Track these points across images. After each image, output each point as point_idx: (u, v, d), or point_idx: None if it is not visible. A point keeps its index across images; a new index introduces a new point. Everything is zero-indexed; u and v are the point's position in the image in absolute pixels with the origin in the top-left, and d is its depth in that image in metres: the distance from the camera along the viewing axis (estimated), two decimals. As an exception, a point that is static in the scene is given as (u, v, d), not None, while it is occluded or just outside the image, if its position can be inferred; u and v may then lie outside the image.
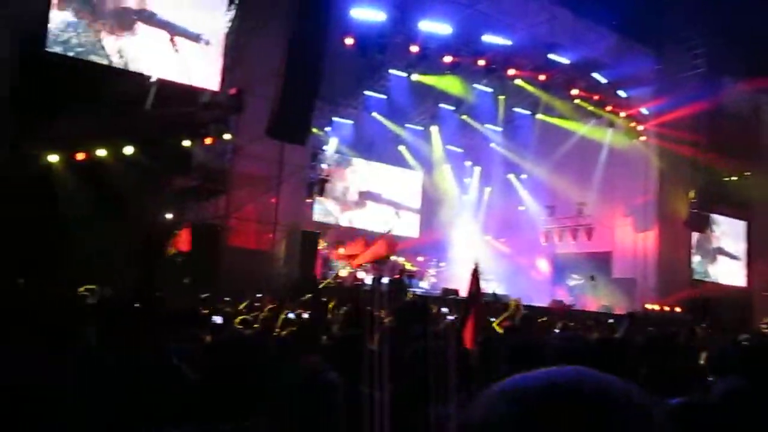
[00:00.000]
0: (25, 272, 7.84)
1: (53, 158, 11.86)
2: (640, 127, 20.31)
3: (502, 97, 20.69)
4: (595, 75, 19.04)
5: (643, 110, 20.18)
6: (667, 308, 18.17)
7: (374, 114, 21.13)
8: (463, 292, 18.20)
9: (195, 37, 13.61)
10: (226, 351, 2.21)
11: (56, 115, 10.95)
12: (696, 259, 21.25)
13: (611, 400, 0.62)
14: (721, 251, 22.17)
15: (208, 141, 14.06)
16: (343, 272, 18.07)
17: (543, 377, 0.65)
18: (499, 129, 22.49)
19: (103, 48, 12.71)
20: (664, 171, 19.88)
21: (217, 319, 5.62)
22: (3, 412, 2.05)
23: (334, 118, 21.19)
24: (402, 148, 22.89)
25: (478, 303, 5.63)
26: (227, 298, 9.50)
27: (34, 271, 8.26)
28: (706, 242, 21.65)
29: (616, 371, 0.68)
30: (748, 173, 20.61)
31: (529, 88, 19.33)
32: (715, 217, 21.35)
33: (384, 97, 20.55)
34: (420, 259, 21.03)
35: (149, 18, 13.20)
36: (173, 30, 13.35)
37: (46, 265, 9.15)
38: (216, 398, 1.99)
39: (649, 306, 18.36)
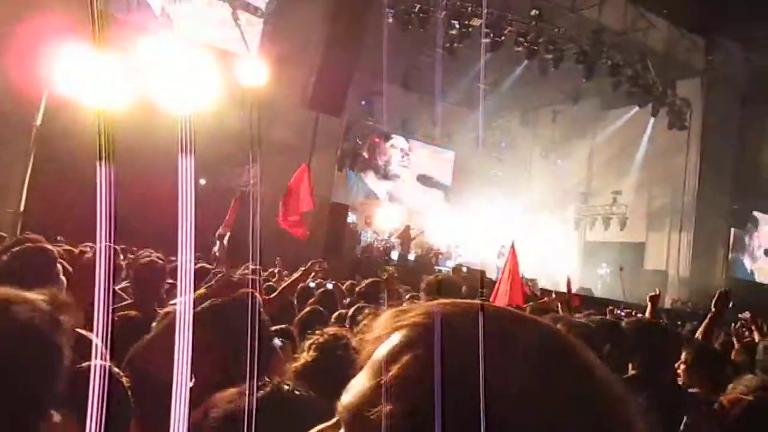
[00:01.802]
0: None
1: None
2: (685, 119, 19.78)
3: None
4: (643, 63, 18.52)
5: (690, 101, 19.62)
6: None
7: (410, 90, 20.91)
8: (491, 273, 18.30)
9: (254, 10, 13.64)
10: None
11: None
12: (736, 256, 20.73)
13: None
14: (766, 251, 21.62)
15: (244, 108, 14.13)
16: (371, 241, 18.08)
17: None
18: (538, 113, 22.13)
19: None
20: (706, 165, 19.37)
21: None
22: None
23: (371, 92, 21.07)
24: (437, 125, 22.68)
25: (516, 270, 6.74)
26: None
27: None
28: (747, 240, 21.12)
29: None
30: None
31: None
32: (759, 215, 20.78)
33: (421, 73, 20.32)
34: (447, 238, 20.95)
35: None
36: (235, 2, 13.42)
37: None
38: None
39: (674, 298, 18.06)
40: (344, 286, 6.81)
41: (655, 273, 19.33)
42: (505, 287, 6.61)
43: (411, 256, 17.34)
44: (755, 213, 20.58)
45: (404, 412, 0.56)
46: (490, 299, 6.54)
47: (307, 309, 4.28)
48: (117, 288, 4.29)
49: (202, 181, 15.50)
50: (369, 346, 0.64)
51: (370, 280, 5.39)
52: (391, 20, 15.46)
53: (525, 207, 23.11)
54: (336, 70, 12.79)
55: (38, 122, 12.30)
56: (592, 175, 21.51)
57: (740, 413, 2.16)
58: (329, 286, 6.47)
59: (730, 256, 20.49)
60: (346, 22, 12.53)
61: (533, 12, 16.52)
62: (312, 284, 6.09)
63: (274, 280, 7.09)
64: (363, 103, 20.84)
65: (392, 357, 0.59)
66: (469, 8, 16.04)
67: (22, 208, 12.20)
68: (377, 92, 21.26)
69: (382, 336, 0.63)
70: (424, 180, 23.33)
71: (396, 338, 0.61)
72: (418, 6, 15.78)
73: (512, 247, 7.06)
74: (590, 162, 21.45)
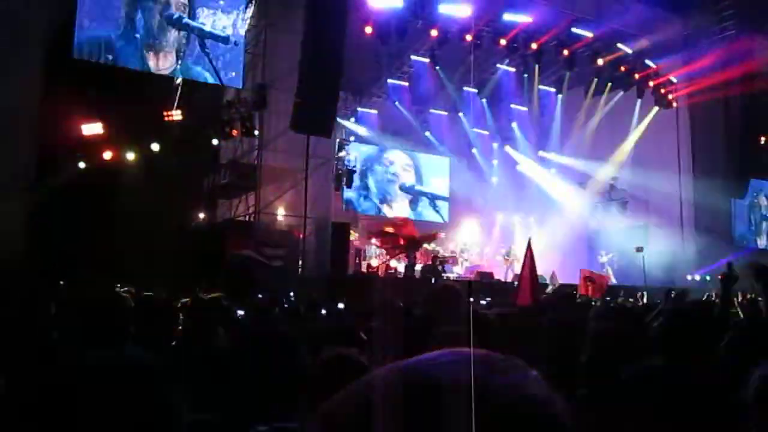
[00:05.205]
0: (64, 274, 8.03)
1: (81, 164, 12.14)
2: (671, 96, 19.88)
3: (525, 76, 20.39)
4: (621, 46, 18.66)
5: (673, 78, 19.72)
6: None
7: (399, 102, 21.03)
8: (498, 275, 18.29)
9: (224, 39, 13.75)
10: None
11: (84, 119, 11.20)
12: (739, 226, 20.74)
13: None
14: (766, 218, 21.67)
15: (234, 135, 14.23)
16: (375, 262, 18.13)
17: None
18: (525, 109, 22.20)
19: (134, 53, 12.93)
20: (698, 139, 19.44)
21: (239, 312, 5.43)
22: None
23: (359, 108, 21.19)
24: (428, 134, 22.76)
25: (533, 268, 6.78)
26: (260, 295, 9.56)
27: (72, 272, 8.43)
28: (749, 209, 21.15)
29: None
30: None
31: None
32: (759, 182, 20.82)
33: (407, 84, 20.45)
34: (452, 245, 20.96)
35: (178, 23, 13.37)
36: (203, 33, 13.51)
37: (84, 268, 9.32)
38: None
39: (689, 277, 18.01)
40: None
41: (663, 253, 19.28)
42: (526, 283, 6.69)
43: (418, 266, 17.34)
44: (753, 180, 20.60)
45: None
46: (518, 300, 6.53)
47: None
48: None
49: (201, 215, 15.57)
50: None
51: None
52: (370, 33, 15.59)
53: (524, 204, 23.14)
54: (319, 89, 12.86)
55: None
56: (587, 162, 21.53)
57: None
58: (340, 306, 6.50)
59: (733, 226, 20.49)
60: (325, 40, 12.62)
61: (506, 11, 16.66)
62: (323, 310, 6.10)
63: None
64: (352, 119, 20.94)
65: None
66: (444, 14, 16.17)
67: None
68: (365, 107, 21.40)
69: None
70: (420, 189, 23.37)
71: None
72: (394, 22, 15.92)
73: (528, 246, 7.08)
74: (583, 150, 21.46)
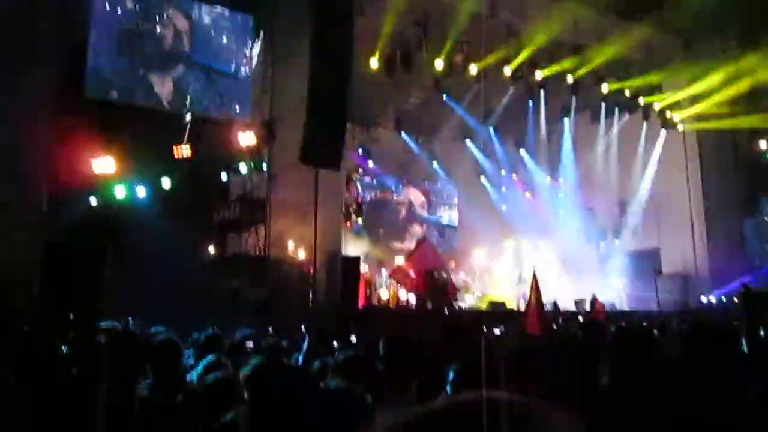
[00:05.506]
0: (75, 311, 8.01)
1: (92, 200, 12.25)
2: (677, 117, 19.89)
3: (531, 103, 20.49)
4: (625, 69, 18.76)
5: (678, 99, 19.76)
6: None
7: (404, 133, 21.19)
8: (510, 305, 18.13)
9: (231, 74, 13.96)
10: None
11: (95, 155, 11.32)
12: (752, 245, 20.53)
13: None
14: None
15: (243, 172, 14.34)
16: (384, 293, 18.02)
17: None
18: (532, 135, 22.26)
19: (143, 89, 13.15)
20: (706, 158, 19.40)
21: (249, 344, 5.37)
22: None
23: (366, 139, 21.33)
24: (435, 164, 22.85)
25: (539, 297, 6.97)
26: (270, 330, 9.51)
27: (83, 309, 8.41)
28: (761, 227, 20.96)
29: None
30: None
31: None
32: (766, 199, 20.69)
33: (413, 114, 20.61)
34: (463, 274, 20.85)
35: (187, 59, 13.61)
36: (211, 68, 13.73)
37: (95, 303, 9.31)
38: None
39: (704, 299, 17.82)
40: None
41: (675, 277, 19.11)
42: (534, 314, 6.80)
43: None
44: (762, 198, 20.46)
45: None
46: (527, 328, 6.60)
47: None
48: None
49: (211, 250, 15.60)
50: None
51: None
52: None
53: (533, 231, 23.06)
54: (326, 122, 12.96)
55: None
56: (596, 187, 21.49)
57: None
58: (353, 338, 6.45)
59: (746, 246, 20.29)
60: (331, 74, 12.76)
61: (511, 39, 16.81)
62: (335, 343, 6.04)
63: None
64: (359, 151, 21.06)
65: None
66: (449, 44, 16.35)
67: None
68: (372, 139, 21.53)
69: None
70: (428, 218, 23.38)
71: None
72: (399, 51, 16.11)
73: (534, 275, 7.25)
74: (592, 175, 21.44)
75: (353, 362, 3.54)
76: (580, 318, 13.15)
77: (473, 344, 3.35)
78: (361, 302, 16.19)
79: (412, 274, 16.78)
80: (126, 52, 13.01)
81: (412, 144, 21.52)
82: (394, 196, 22.82)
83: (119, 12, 13.02)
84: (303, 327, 6.83)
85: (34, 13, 11.54)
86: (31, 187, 11.36)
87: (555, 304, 15.94)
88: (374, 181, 22.15)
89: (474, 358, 2.75)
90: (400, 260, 18.60)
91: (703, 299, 17.88)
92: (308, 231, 15.11)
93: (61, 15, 12.12)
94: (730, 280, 17.58)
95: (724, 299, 17.46)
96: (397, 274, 17.26)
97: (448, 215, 23.80)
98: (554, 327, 7.83)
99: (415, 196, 23.26)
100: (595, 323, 6.32)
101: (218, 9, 14.48)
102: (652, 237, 20.43)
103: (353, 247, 19.23)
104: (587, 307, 16.20)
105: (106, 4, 12.88)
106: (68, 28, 12.36)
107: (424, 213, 23.27)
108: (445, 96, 18.73)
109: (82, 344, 3.66)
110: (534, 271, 7.49)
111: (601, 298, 16.60)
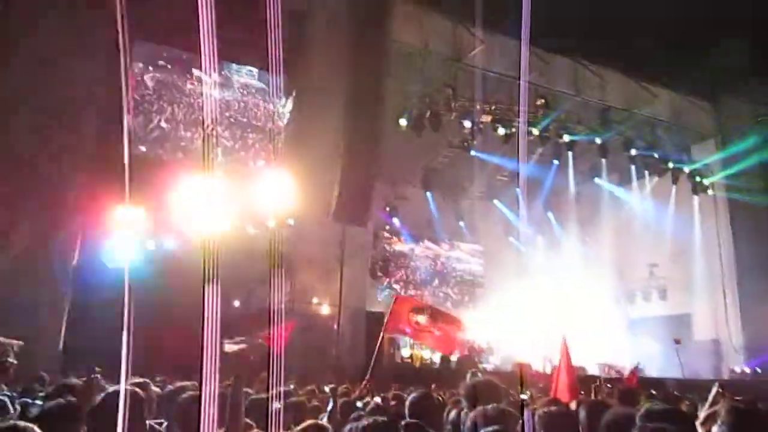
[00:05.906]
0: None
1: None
2: (707, 181, 19.73)
3: (557, 163, 20.52)
4: (654, 132, 18.80)
5: (707, 162, 19.64)
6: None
7: (430, 192, 21.31)
8: (536, 366, 17.72)
9: (265, 131, 14.33)
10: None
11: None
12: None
13: None
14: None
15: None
16: (406, 352, 17.74)
17: None
18: (560, 196, 22.24)
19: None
20: (737, 222, 19.09)
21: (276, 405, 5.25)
22: None
23: (394, 197, 21.49)
24: (461, 223, 22.87)
25: (569, 364, 6.94)
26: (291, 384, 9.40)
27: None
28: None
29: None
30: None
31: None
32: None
33: (440, 173, 20.79)
34: (487, 333, 20.52)
35: (226, 119, 14.08)
36: (244, 128, 14.11)
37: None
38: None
39: (737, 368, 17.22)
40: (390, 394, 6.66)
41: (706, 343, 18.58)
42: (564, 380, 6.69)
43: (453, 357, 16.94)
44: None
45: None
46: (551, 393, 6.45)
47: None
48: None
49: (236, 303, 15.62)
50: None
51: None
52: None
53: (561, 292, 22.71)
54: (356, 181, 13.13)
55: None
56: (624, 250, 21.21)
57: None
58: (377, 400, 6.33)
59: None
60: (362, 133, 13.00)
61: (539, 101, 17.00)
62: (359, 404, 5.93)
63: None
64: (387, 209, 21.18)
65: None
66: (478, 106, 16.59)
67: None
68: (400, 197, 21.67)
69: None
70: (454, 278, 23.25)
71: None
72: (429, 111, 16.37)
73: (564, 341, 7.17)
74: (620, 237, 21.21)
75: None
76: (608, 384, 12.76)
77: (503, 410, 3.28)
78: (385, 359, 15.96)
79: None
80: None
81: (433, 206, 21.62)
82: (417, 253, 22.79)
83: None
84: (328, 389, 6.77)
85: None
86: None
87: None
88: (399, 238, 22.20)
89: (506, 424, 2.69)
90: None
91: (736, 369, 17.28)
92: (334, 286, 15.10)
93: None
94: (764, 349, 17.04)
95: (759, 370, 16.88)
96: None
97: (471, 272, 23.62)
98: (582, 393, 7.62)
99: (438, 253, 23.19)
100: (633, 392, 6.08)
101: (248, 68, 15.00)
102: (683, 302, 19.97)
103: (378, 303, 19.12)
104: (625, 373, 15.70)
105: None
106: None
107: (446, 270, 23.14)
108: (473, 153, 18.90)
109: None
110: (564, 339, 7.38)
111: (627, 362, 16.15)
